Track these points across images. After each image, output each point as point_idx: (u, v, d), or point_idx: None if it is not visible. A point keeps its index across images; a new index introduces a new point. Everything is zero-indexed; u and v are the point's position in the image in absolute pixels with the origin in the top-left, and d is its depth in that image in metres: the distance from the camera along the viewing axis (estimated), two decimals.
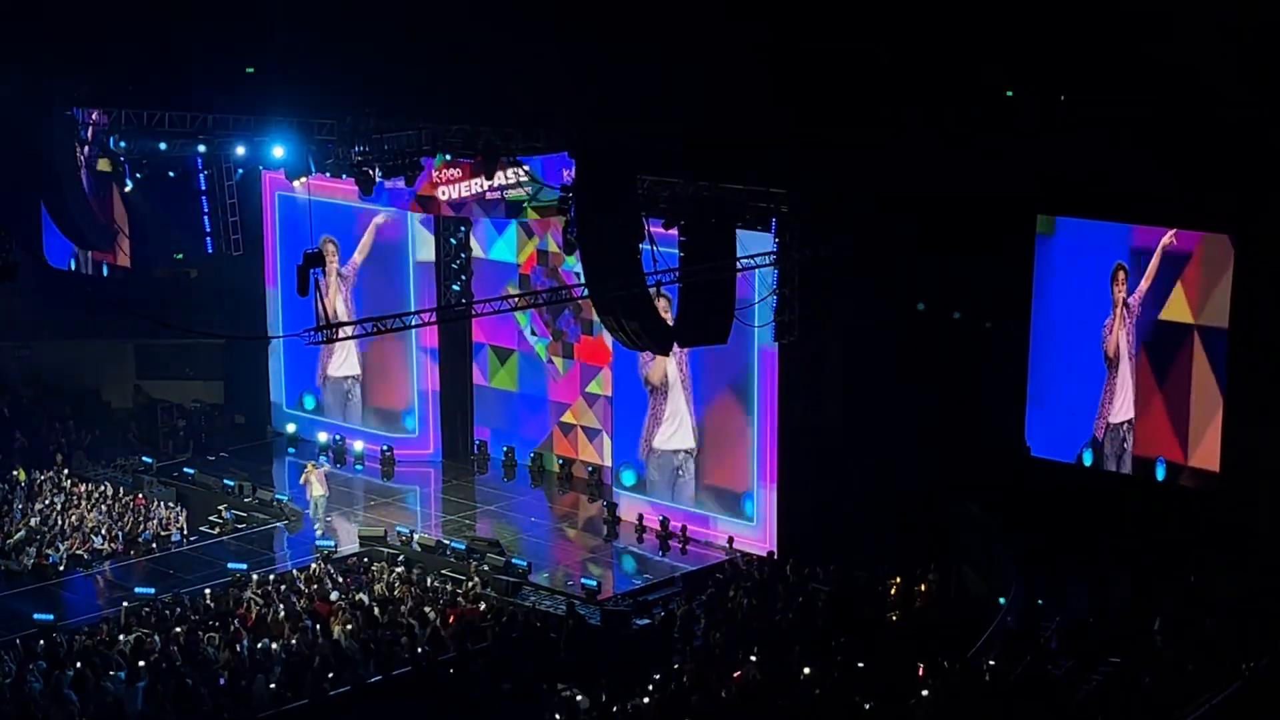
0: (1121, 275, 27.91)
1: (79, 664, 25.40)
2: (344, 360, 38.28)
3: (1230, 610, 24.11)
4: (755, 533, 31.85)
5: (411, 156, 29.54)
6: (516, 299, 30.33)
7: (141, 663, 25.39)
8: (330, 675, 25.72)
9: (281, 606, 28.04)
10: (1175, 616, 24.58)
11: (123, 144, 31.58)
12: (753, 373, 31.59)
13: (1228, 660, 22.28)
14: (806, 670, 24.22)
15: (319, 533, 33.00)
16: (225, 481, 34.92)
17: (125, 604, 28.62)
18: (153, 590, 29.33)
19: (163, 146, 31.17)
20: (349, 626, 27.20)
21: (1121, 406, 28.17)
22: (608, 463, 35.05)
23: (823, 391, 30.69)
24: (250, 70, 30.92)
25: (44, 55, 30.38)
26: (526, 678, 26.30)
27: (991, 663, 24.07)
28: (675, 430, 33.14)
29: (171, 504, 34.13)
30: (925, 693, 22.97)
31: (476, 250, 37.02)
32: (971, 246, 28.20)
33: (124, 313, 29.24)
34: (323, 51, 29.98)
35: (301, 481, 34.08)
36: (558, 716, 24.50)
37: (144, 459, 36.41)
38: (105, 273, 38.53)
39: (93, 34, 30.63)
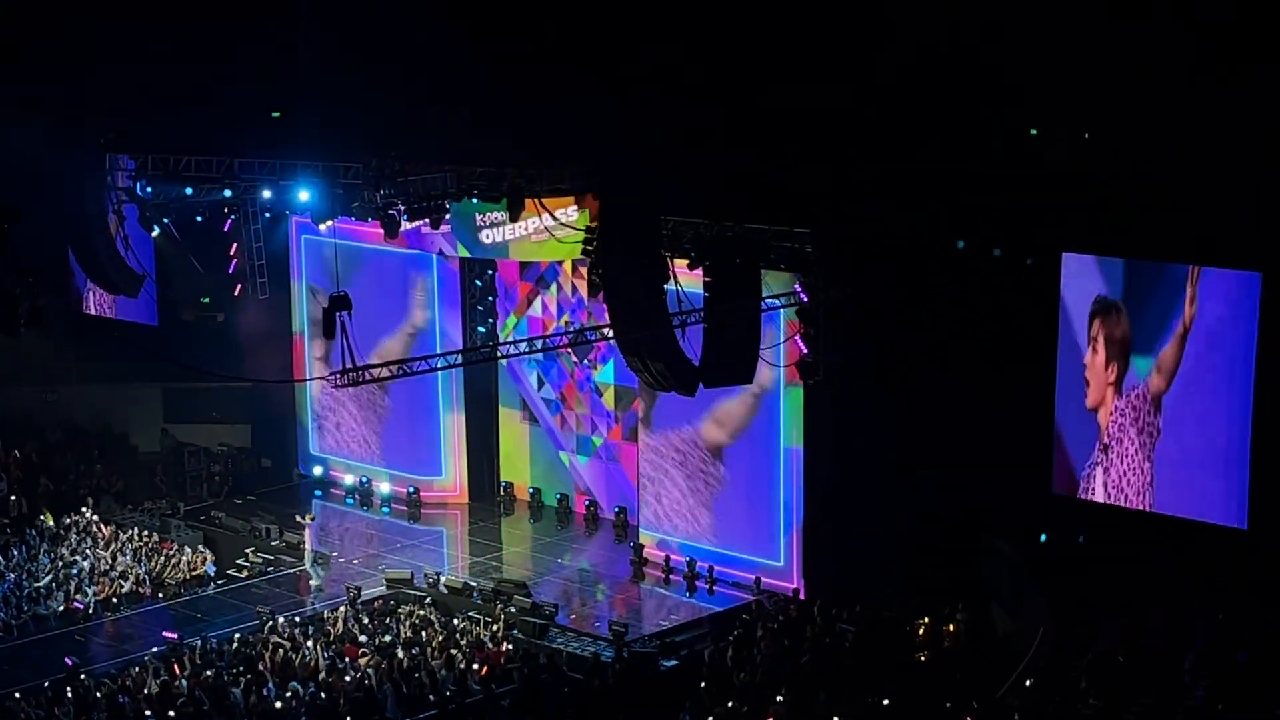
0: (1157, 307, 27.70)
1: (105, 710, 25.42)
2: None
3: (1261, 648, 23.91)
4: (782, 572, 31.76)
5: (437, 199, 29.62)
6: (542, 341, 30.31)
7: (172, 714, 25.39)
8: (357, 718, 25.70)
9: (308, 649, 28.03)
10: (1206, 654, 24.39)
11: (149, 189, 31.77)
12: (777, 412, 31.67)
13: (1258, 700, 22.11)
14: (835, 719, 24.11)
15: (315, 585, 32.89)
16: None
17: (153, 649, 28.66)
18: (180, 634, 29.35)
19: (189, 191, 31.35)
20: (375, 669, 27.18)
21: (1148, 445, 27.97)
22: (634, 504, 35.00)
23: (849, 430, 30.58)
24: (276, 114, 31.06)
25: (71, 100, 30.54)
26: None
27: (1021, 702, 23.92)
28: None
29: (200, 548, 34.22)
30: None
31: None
32: (997, 283, 28.12)
33: (151, 357, 29.29)
34: (348, 95, 30.12)
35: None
36: None
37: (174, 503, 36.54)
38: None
39: (119, 79, 30.78)
